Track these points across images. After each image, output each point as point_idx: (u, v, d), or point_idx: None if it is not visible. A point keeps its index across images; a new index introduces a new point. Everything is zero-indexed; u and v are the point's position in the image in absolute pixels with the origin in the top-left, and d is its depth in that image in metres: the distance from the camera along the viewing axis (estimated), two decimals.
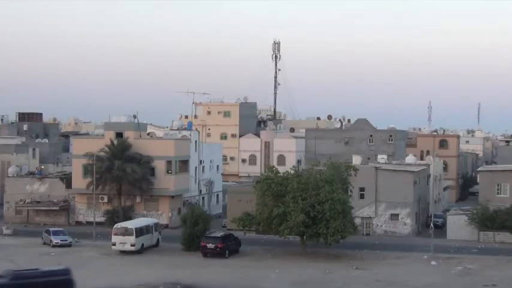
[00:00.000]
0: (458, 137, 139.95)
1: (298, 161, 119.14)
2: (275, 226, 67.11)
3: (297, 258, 65.55)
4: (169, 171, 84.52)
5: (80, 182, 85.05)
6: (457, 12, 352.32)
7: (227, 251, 66.44)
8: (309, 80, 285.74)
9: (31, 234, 77.02)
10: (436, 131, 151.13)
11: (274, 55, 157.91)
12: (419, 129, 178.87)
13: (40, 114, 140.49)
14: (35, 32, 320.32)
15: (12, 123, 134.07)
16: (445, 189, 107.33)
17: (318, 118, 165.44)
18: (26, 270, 39.71)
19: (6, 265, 60.43)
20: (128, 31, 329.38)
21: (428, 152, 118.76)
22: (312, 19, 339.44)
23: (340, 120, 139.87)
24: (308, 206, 65.01)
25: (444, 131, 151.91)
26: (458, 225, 79.04)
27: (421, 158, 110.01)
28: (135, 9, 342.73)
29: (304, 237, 67.30)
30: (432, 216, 76.46)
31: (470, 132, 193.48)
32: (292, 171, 71.13)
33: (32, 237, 75.39)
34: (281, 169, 73.42)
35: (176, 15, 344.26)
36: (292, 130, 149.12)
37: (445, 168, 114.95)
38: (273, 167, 75.13)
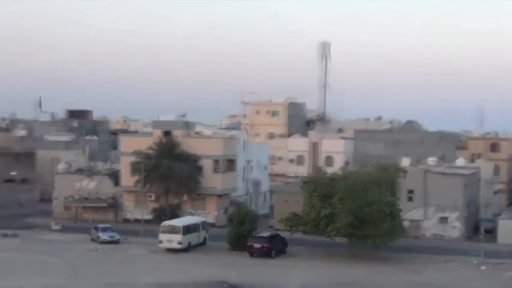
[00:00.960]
0: (510, 140, 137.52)
1: (346, 162, 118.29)
2: (322, 227, 66.58)
3: (343, 260, 64.96)
4: (217, 170, 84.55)
5: (128, 179, 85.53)
6: None
7: (274, 251, 66.13)
8: (358, 81, 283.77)
9: (79, 231, 77.64)
10: (488, 133, 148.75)
11: (323, 55, 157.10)
12: (471, 131, 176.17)
13: (90, 112, 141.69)
14: (86, 30, 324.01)
15: (62, 120, 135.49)
16: (495, 193, 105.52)
17: (367, 119, 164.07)
18: None
19: (54, 260, 61.20)
20: (178, 30, 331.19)
21: (479, 155, 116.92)
22: (361, 19, 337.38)
23: (390, 121, 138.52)
24: (356, 208, 64.38)
25: (496, 133, 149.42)
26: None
27: (472, 161, 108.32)
28: (184, 9, 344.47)
29: (352, 239, 66.68)
30: (482, 220, 75.21)
31: None
32: (340, 172, 70.51)
33: (80, 233, 76.00)
34: (329, 170, 72.95)
35: (224, 13, 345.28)
36: (340, 131, 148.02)
37: (496, 172, 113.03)
38: (321, 167, 74.67)
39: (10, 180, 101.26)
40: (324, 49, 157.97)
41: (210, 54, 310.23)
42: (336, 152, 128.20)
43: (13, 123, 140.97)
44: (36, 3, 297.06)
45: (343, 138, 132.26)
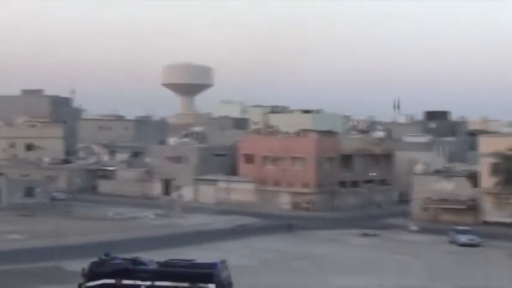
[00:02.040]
0: None
1: None
2: None
3: None
4: None
5: (487, 181, 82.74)
6: None
7: None
8: None
9: (437, 232, 76.75)
10: None
11: None
12: None
13: (447, 113, 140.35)
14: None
15: (419, 121, 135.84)
16: None
17: None
18: (179, 260, 41.27)
19: (412, 261, 61.09)
20: None
21: None
22: None
23: None
24: None
25: None
26: None
27: None
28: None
29: None
30: None
31: None
32: None
33: (438, 234, 75.11)
34: None
35: None
36: None
37: None
38: None
39: (369, 181, 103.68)
40: None
41: None
42: None
43: (372, 125, 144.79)
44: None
45: None
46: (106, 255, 40.73)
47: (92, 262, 40.25)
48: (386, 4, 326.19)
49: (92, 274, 39.44)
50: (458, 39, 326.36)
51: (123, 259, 40.32)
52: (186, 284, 38.36)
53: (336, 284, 51.51)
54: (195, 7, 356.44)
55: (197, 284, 38.26)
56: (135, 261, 40.15)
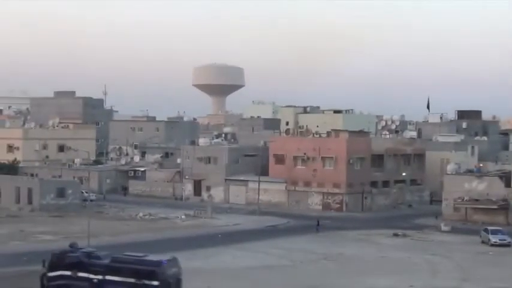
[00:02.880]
0: None
1: None
2: None
3: None
4: None
5: None
6: None
7: None
8: None
9: (469, 232, 76.22)
10: None
11: None
12: None
13: (479, 112, 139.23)
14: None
15: (451, 121, 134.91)
16: None
17: None
18: (130, 255, 41.49)
19: (443, 261, 60.68)
20: None
21: None
22: None
23: None
24: None
25: None
26: None
27: None
28: None
29: None
30: None
31: None
32: None
33: (470, 235, 74.60)
34: None
35: None
36: None
37: None
38: None
39: (401, 181, 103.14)
40: None
41: None
42: None
43: (403, 124, 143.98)
44: None
45: None
46: (71, 246, 41.79)
47: (53, 253, 41.58)
48: (416, 3, 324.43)
49: (52, 265, 41.03)
50: (493, 39, 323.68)
51: (82, 252, 41.42)
52: (132, 280, 39.14)
53: (366, 284, 51.31)
54: (225, 7, 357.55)
55: (142, 280, 38.95)
56: (89, 255, 41.09)
